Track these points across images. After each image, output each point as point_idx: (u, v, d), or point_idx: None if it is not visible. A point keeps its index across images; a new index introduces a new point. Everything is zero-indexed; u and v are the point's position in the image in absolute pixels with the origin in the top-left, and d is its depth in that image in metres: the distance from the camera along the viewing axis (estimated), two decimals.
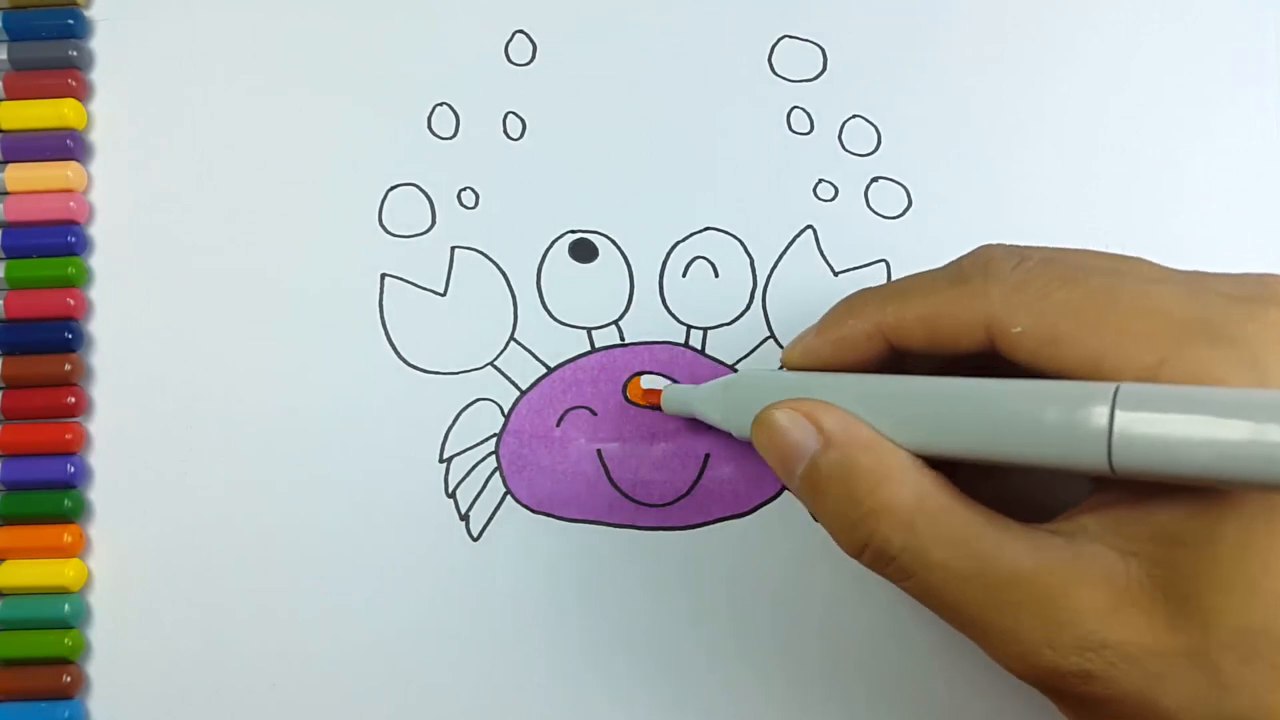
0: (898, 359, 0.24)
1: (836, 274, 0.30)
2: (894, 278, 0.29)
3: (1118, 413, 0.19)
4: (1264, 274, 0.21)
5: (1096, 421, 0.19)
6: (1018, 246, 0.23)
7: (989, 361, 0.23)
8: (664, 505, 0.29)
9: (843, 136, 0.30)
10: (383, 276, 0.30)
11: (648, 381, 0.29)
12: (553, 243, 0.30)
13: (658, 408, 0.29)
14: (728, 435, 0.29)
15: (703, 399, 0.27)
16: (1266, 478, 0.17)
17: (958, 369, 0.23)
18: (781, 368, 0.26)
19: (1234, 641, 0.19)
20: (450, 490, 0.29)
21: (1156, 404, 0.19)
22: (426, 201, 0.30)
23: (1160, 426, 0.18)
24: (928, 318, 0.23)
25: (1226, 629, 0.19)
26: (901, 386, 0.23)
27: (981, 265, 0.23)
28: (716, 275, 0.30)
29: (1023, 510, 0.22)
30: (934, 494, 0.22)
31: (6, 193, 0.30)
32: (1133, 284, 0.21)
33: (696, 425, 0.29)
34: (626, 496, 0.29)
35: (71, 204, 0.30)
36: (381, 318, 0.30)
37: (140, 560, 0.30)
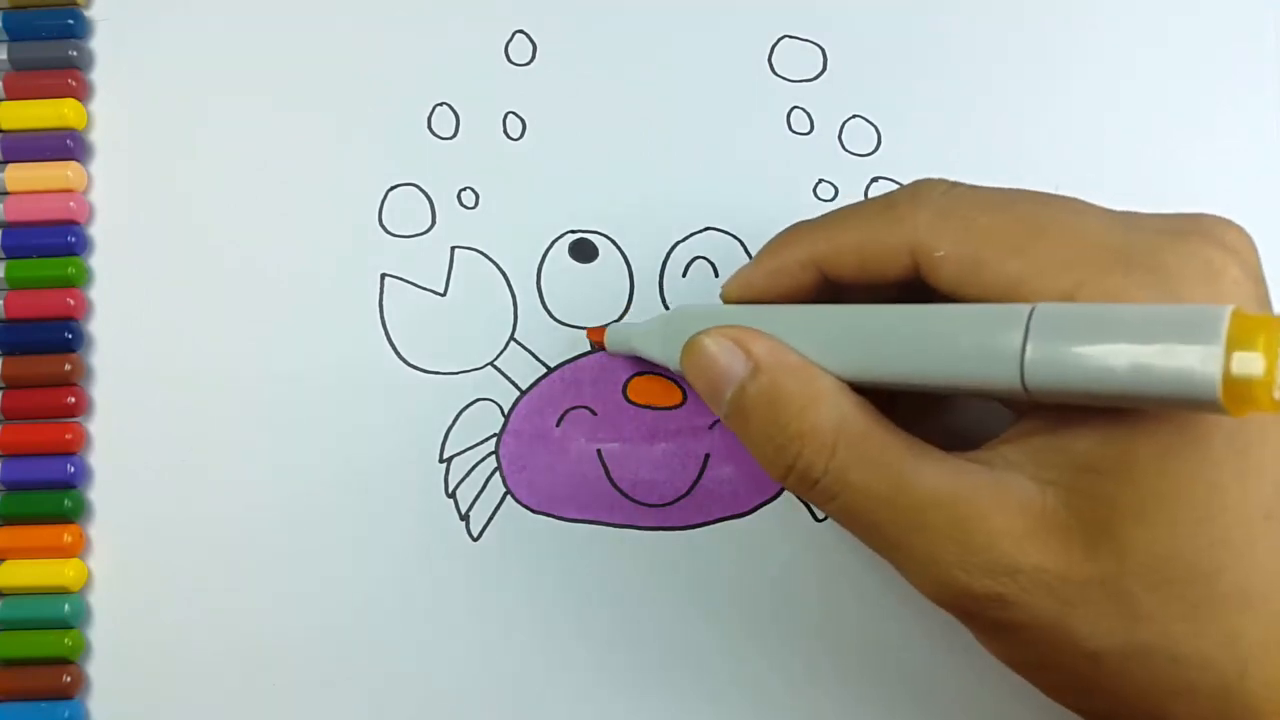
0: (832, 291, 0.25)
1: None
2: None
3: (1031, 332, 0.19)
4: (1199, 213, 0.21)
5: (1011, 341, 0.19)
6: (949, 180, 0.23)
7: (919, 294, 0.23)
8: (664, 505, 0.29)
9: (843, 136, 0.30)
10: (383, 276, 0.30)
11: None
12: (553, 243, 0.30)
13: (602, 348, 0.29)
14: (727, 436, 0.29)
15: (642, 334, 0.28)
16: (1178, 393, 0.17)
17: (889, 301, 0.23)
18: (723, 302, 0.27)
19: (1145, 570, 0.20)
20: (450, 490, 0.29)
21: (1070, 323, 0.19)
22: (426, 201, 0.30)
23: (1073, 344, 0.18)
24: (857, 245, 0.23)
25: (1139, 557, 0.20)
26: (827, 314, 0.23)
27: (910, 193, 0.23)
28: (716, 275, 0.30)
29: (958, 447, 0.22)
30: (856, 418, 0.22)
31: (6, 193, 0.30)
32: (1058, 213, 0.21)
33: (697, 425, 0.29)
34: (626, 496, 0.29)
35: (71, 204, 0.30)
36: (381, 318, 0.30)
37: (140, 560, 0.30)
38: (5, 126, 0.31)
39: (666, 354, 0.26)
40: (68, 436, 0.30)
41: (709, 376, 0.24)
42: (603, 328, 0.29)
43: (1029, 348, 0.19)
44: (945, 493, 0.21)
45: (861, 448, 0.22)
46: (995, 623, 0.21)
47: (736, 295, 0.26)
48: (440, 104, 0.30)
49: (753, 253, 0.30)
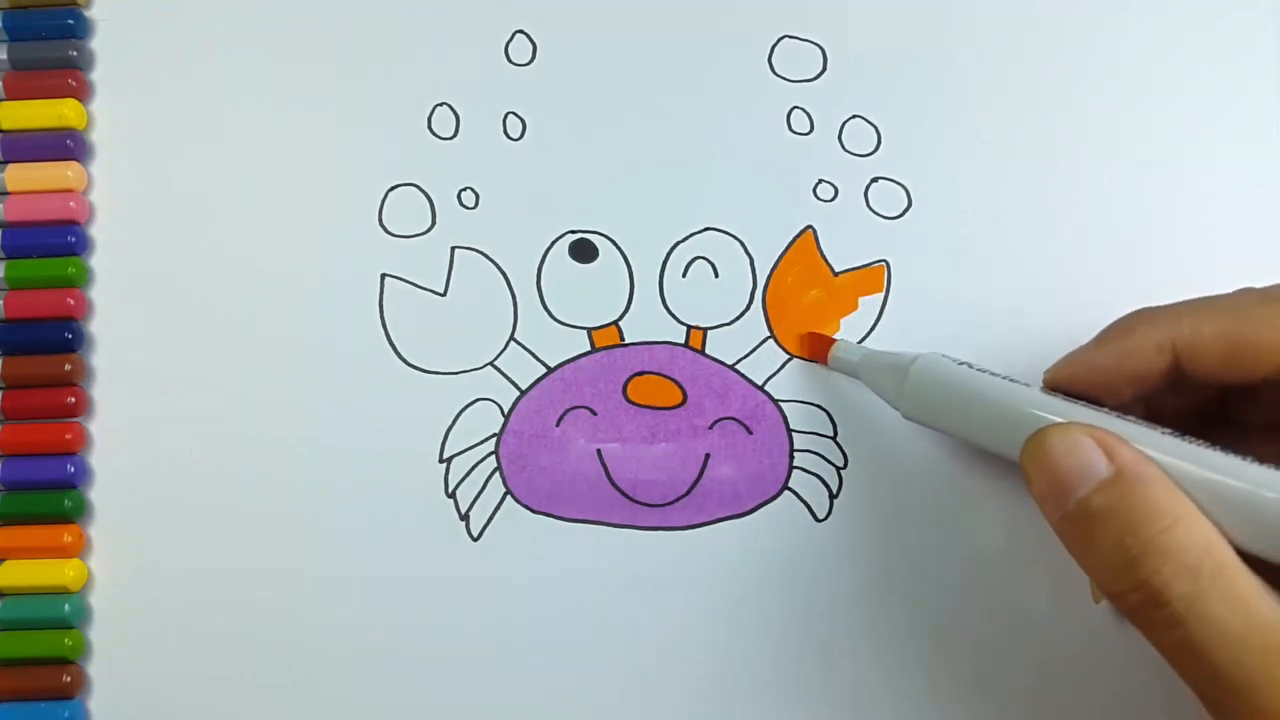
0: (1170, 385, 0.24)
1: (836, 274, 0.30)
2: (894, 278, 0.29)
3: None
4: None
5: None
6: None
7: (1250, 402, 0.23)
8: (664, 505, 0.29)
9: (843, 136, 0.30)
10: (383, 276, 0.30)
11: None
12: (553, 243, 0.30)
13: (817, 358, 0.29)
14: (727, 436, 0.29)
15: (879, 369, 0.27)
16: None
17: (1205, 408, 0.23)
18: (1044, 386, 0.25)
19: None
20: (450, 490, 0.29)
21: None
22: (426, 201, 0.30)
23: None
24: (1229, 334, 0.22)
25: None
26: (1103, 421, 0.22)
27: None
28: (716, 275, 0.30)
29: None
30: (1220, 546, 0.21)
31: (6, 193, 0.30)
32: None
33: (697, 425, 0.29)
34: (626, 496, 0.29)
35: (71, 204, 0.30)
36: (381, 318, 0.30)
37: (140, 560, 0.30)
38: (5, 126, 0.31)
39: (902, 400, 0.26)
40: (68, 436, 0.30)
41: (1056, 472, 0.22)
42: (826, 336, 0.29)
43: None
44: None
45: (1224, 578, 0.20)
46: None
47: (1069, 378, 0.25)
48: (440, 104, 0.30)
49: (753, 253, 0.30)
